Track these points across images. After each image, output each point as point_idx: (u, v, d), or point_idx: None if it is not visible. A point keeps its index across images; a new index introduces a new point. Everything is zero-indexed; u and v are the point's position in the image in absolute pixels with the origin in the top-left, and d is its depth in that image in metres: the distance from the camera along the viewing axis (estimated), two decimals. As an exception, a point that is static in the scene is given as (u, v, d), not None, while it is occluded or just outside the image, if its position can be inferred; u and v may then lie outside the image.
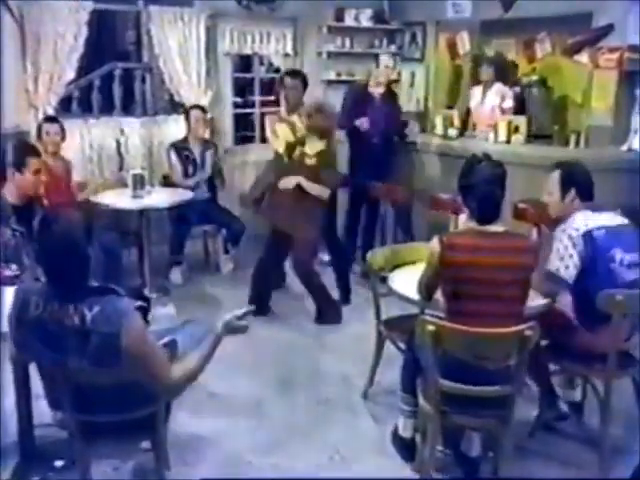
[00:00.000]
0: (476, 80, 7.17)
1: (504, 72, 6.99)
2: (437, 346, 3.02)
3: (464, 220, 3.39)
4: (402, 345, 3.82)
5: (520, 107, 6.77)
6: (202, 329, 3.23)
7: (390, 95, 6.62)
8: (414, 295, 3.39)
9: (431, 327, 3.00)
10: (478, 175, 3.14)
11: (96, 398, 2.63)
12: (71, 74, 6.25)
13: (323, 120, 5.18)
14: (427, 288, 3.27)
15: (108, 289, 2.61)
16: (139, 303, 2.58)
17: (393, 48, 8.34)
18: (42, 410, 3.01)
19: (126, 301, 2.59)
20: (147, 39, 6.96)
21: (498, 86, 6.81)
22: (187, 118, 6.48)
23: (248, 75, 8.20)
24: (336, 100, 6.65)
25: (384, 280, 3.86)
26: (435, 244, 3.10)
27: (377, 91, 6.44)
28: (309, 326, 5.34)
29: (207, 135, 6.86)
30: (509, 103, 6.71)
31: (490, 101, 6.81)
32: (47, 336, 2.56)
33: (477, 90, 7.01)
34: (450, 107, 7.59)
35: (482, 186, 3.10)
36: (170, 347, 2.73)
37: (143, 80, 7.17)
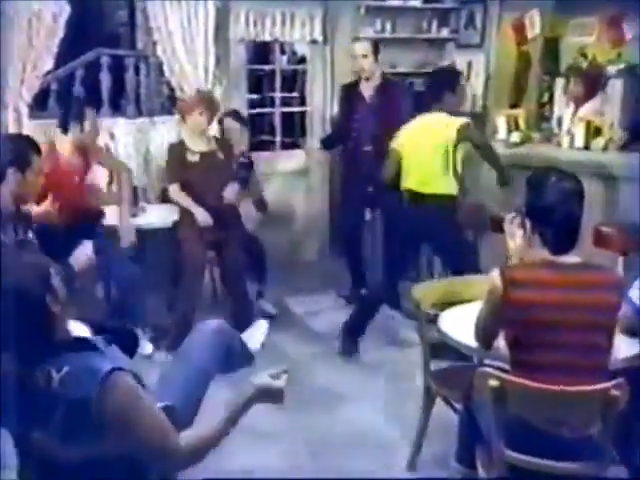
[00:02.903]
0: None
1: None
2: (501, 406, 2.99)
3: (511, 235, 3.38)
4: (457, 404, 3.80)
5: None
6: (195, 373, 3.21)
7: (385, 91, 6.53)
8: (471, 342, 3.35)
9: (494, 382, 2.97)
10: (550, 193, 3.10)
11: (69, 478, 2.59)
12: (49, 63, 6.25)
13: None
14: (486, 333, 3.24)
15: (85, 342, 2.59)
16: (128, 369, 2.54)
17: (446, 32, 8.33)
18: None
19: (108, 358, 2.55)
20: (142, 21, 7.02)
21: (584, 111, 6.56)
22: None
23: (266, 66, 8.24)
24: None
25: (434, 322, 3.81)
26: (495, 278, 3.07)
27: (367, 88, 6.46)
28: (340, 375, 5.32)
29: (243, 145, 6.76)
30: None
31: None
32: (10, 396, 2.53)
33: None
34: (514, 106, 7.54)
35: (556, 207, 3.06)
36: (166, 413, 2.69)
37: (137, 71, 7.22)
